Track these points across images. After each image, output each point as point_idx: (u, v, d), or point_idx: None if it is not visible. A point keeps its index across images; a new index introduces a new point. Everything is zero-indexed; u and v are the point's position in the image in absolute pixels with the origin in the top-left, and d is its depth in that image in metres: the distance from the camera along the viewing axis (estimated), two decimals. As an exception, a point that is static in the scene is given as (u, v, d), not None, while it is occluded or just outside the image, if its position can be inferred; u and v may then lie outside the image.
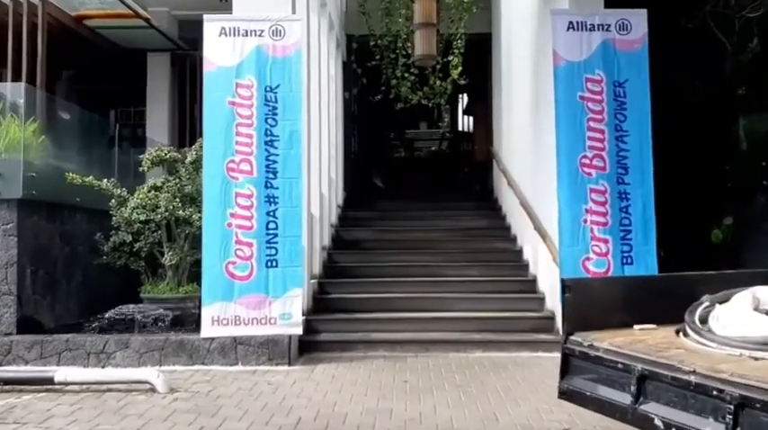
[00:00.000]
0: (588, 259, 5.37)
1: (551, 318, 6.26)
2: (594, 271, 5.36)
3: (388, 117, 11.26)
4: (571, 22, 5.53)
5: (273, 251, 5.55)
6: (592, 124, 5.46)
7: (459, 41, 9.15)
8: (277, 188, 5.58)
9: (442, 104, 9.41)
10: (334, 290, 7.14)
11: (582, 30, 5.53)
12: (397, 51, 9.28)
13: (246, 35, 5.65)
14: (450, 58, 9.21)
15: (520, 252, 7.95)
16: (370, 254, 8.06)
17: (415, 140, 14.42)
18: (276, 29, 5.66)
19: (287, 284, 5.53)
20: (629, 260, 5.41)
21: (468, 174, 12.16)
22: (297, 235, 5.61)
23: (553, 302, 6.34)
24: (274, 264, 5.54)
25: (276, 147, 5.60)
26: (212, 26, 5.67)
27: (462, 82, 9.07)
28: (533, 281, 7.12)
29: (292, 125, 5.63)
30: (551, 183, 6.20)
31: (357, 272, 7.57)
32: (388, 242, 8.43)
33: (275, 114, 5.62)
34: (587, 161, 5.43)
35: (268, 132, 5.59)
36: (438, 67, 9.33)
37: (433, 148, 14.26)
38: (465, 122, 15.48)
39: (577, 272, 5.36)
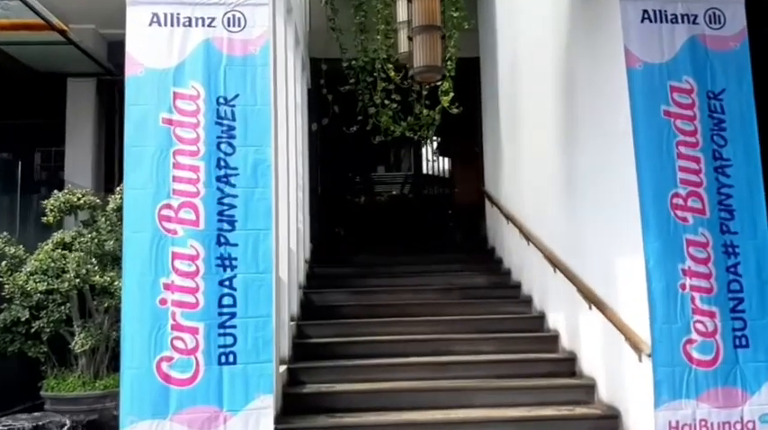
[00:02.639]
0: (690, 341, 3.73)
1: (614, 417, 4.56)
2: (699, 358, 3.73)
3: (363, 153, 9.54)
4: (646, 12, 4.01)
5: (230, 340, 3.71)
6: (683, 150, 3.90)
7: (449, 63, 7.62)
8: (235, 245, 3.78)
9: (428, 137, 7.80)
10: (308, 378, 5.29)
11: (661, 21, 4.01)
12: (375, 74, 7.67)
13: (190, 24, 3.91)
14: (440, 83, 7.67)
15: (540, 319, 6.28)
16: (349, 325, 6.25)
17: (384, 183, 12.81)
18: (233, 16, 3.94)
19: (250, 390, 3.69)
20: (744, 341, 3.80)
21: (452, 221, 10.52)
22: (265, 314, 3.79)
23: (613, 394, 4.67)
24: (231, 359, 3.70)
25: (234, 185, 3.82)
26: (138, 11, 3.91)
27: (455, 110, 7.49)
28: (571, 361, 5.44)
29: (257, 153, 3.87)
30: (606, 229, 4.61)
31: (336, 351, 5.75)
32: (370, 308, 6.63)
33: (232, 138, 3.85)
34: (680, 202, 3.84)
35: (222, 163, 3.82)
36: (424, 93, 7.78)
37: (406, 192, 12.66)
38: (431, 164, 13.98)
39: (676, 360, 3.72)
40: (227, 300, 3.74)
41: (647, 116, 3.90)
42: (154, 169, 3.79)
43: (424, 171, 13.75)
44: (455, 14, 7.55)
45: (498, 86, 8.02)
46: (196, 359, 3.67)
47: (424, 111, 7.65)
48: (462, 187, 10.31)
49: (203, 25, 3.91)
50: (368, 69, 7.68)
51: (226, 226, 3.79)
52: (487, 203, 8.58)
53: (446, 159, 12.60)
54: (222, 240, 3.77)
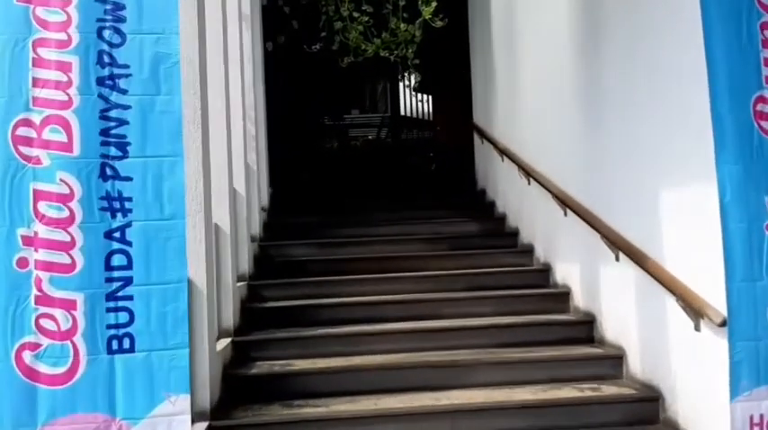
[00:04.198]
0: (779, 304, 2.66)
1: (653, 399, 3.50)
2: (790, 327, 2.67)
3: (331, 85, 8.16)
4: None
5: (124, 317, 2.56)
6: (770, 34, 2.75)
7: (430, -34, 6.32)
8: (128, 179, 2.59)
9: (408, 58, 6.53)
10: (259, 353, 4.16)
11: None
12: (342, -19, 6.33)
13: None
14: (419, -9, 6.37)
15: (545, 272, 5.19)
16: (315, 284, 5.11)
17: (357, 126, 11.53)
18: None
19: (156, 388, 2.55)
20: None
21: (436, 163, 9.33)
22: (176, 278, 2.62)
23: (652, 370, 3.60)
24: (127, 344, 2.56)
25: (125, 91, 2.60)
26: None
27: (439, 23, 6.21)
28: (588, 324, 4.37)
29: (159, 43, 2.64)
30: (646, 153, 3.50)
31: (296, 317, 4.63)
32: (341, 263, 5.50)
33: (120, 21, 2.61)
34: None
35: (105, 59, 2.60)
36: (401, 4, 6.47)
37: (383, 136, 11.40)
38: (411, 102, 12.67)
39: (761, 331, 2.65)
40: (118, 260, 2.57)
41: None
42: (4, 69, 2.55)
43: (403, 112, 12.51)
44: None
45: (490, 9, 6.74)
46: (74, 345, 2.51)
47: (402, 26, 6.35)
48: (447, 123, 9.09)
49: None
50: (333, -25, 6.33)
51: (114, 151, 2.58)
52: (477, 139, 7.39)
53: (428, 97, 11.33)
54: (108, 172, 2.57)
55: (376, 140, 11.88)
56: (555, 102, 4.98)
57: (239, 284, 4.74)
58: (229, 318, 4.25)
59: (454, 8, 7.24)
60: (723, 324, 2.76)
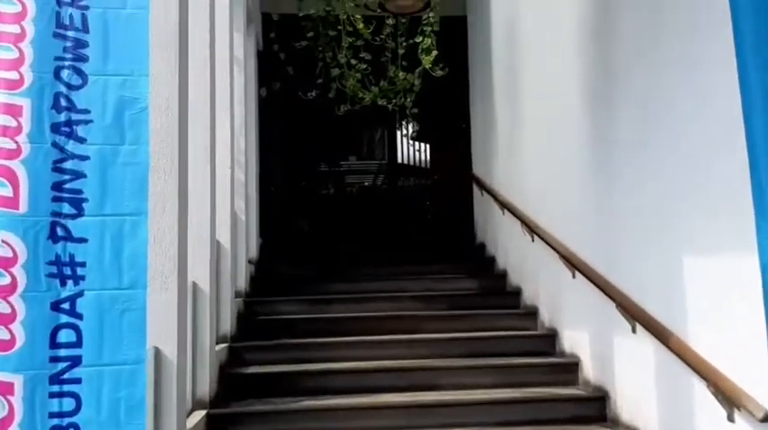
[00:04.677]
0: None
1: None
2: None
3: (327, 124, 7.82)
4: None
5: (70, 404, 2.17)
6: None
7: (430, 17, 6.12)
8: (83, 241, 2.24)
9: (407, 107, 6.26)
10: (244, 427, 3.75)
11: None
12: (340, 27, 6.12)
13: None
14: (419, 39, 6.16)
15: (551, 338, 4.82)
16: (302, 347, 4.72)
17: (354, 173, 11.24)
18: None
19: (103, 493, 2.16)
20: None
21: (432, 213, 9.00)
22: (132, 358, 2.24)
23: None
24: (69, 437, 2.16)
25: (83, 140, 2.27)
26: None
27: (439, 72, 5.99)
28: (600, 401, 3.97)
29: (126, 86, 2.32)
30: (665, 211, 3.17)
31: (281, 385, 4.23)
32: (331, 322, 5.11)
33: (81, 60, 2.30)
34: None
35: (63, 102, 2.27)
36: (401, 52, 6.25)
37: (379, 183, 11.10)
38: (408, 150, 12.44)
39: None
40: (65, 336, 2.19)
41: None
42: (-54, 111, 2.22)
43: (400, 160, 12.27)
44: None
45: (491, 48, 6.52)
46: (7, 439, 2.11)
47: (401, 74, 6.12)
48: (446, 173, 8.78)
49: None
50: (330, 21, 6.12)
51: (67, 208, 2.23)
52: (476, 191, 7.09)
53: (426, 146, 11.09)
54: (60, 232, 2.22)
55: (372, 187, 11.60)
56: (560, 154, 4.69)
57: (219, 347, 4.34)
58: (205, 387, 3.84)
59: (454, 57, 7.04)
60: (765, 419, 2.39)
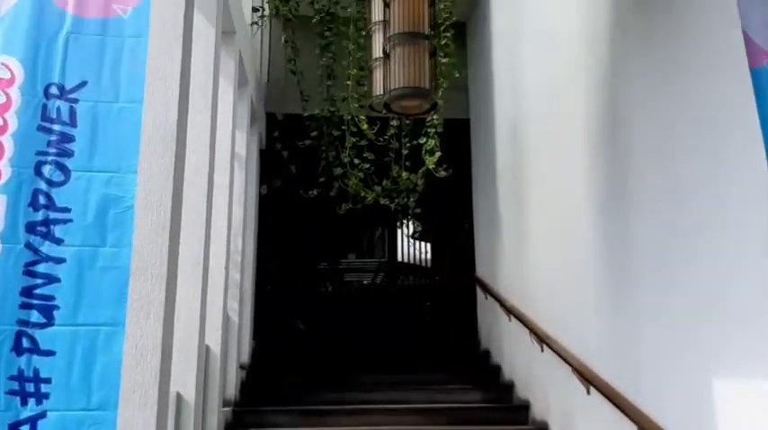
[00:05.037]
0: None
1: None
2: None
3: (327, 222, 7.66)
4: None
5: None
6: None
7: (434, 119, 6.11)
8: (50, 354, 1.99)
9: (409, 207, 6.14)
10: None
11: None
12: (344, 127, 6.09)
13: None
14: (423, 140, 6.12)
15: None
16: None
17: (353, 271, 11.01)
18: (91, -45, 2.33)
19: None
20: None
21: (433, 316, 8.69)
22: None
23: None
24: None
25: (60, 241, 2.08)
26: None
27: (443, 173, 5.90)
28: None
29: (111, 184, 2.17)
30: (691, 327, 2.93)
31: None
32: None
33: (65, 155, 2.15)
34: None
35: (41, 200, 2.10)
36: (404, 152, 6.20)
37: (378, 281, 10.84)
38: (409, 249, 12.27)
39: None
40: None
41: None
42: None
43: (400, 258, 12.08)
44: (444, 60, 6.09)
45: (495, 151, 6.48)
46: None
47: (404, 174, 6.03)
48: (447, 274, 8.57)
49: (34, -36, 2.28)
50: (334, 121, 6.10)
51: (36, 316, 2.01)
52: (480, 294, 6.84)
53: (427, 245, 10.92)
54: (25, 344, 1.98)
55: (371, 286, 11.35)
56: (571, 260, 4.48)
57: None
58: None
59: (458, 158, 7.00)
60: None
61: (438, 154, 5.93)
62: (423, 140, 6.06)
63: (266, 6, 6.35)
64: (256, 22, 6.11)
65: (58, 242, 2.05)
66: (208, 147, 3.91)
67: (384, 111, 4.61)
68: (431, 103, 3.83)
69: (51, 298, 2.00)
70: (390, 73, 3.80)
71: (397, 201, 6.05)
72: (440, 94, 6.11)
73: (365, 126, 5.93)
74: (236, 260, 5.38)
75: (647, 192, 3.44)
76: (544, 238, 5.08)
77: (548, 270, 4.97)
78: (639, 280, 3.51)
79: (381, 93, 4.35)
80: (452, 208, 7.69)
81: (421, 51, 3.77)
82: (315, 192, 6.00)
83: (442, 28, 6.09)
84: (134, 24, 2.25)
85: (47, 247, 2.03)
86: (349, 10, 6.24)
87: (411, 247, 11.52)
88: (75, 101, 2.15)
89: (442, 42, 6.00)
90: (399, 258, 12.09)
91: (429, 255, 10.60)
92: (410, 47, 3.76)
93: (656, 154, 3.35)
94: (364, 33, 5.87)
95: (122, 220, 2.12)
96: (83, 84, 2.16)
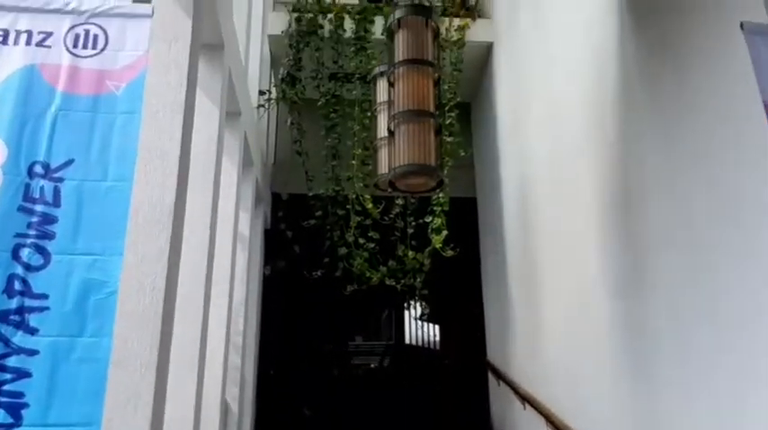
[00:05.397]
0: None
1: None
2: None
3: (333, 304, 7.42)
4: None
5: None
6: None
7: (440, 197, 6.04)
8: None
9: (416, 287, 5.94)
10: None
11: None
12: (348, 207, 6.00)
13: (5, 41, 2.23)
14: (429, 219, 6.01)
15: None
16: None
17: (360, 354, 10.69)
18: (85, 33, 2.28)
19: None
20: None
21: (442, 401, 8.32)
22: None
23: None
24: None
25: (33, 332, 1.91)
26: None
27: (450, 253, 5.75)
28: None
29: (94, 269, 2.02)
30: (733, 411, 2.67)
31: None
32: None
33: (46, 237, 2.01)
34: None
35: (16, 287, 1.94)
36: (410, 231, 6.07)
37: (386, 365, 10.50)
38: (417, 331, 11.95)
39: None
40: None
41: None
42: None
43: (408, 341, 11.76)
44: (449, 139, 6.07)
45: (504, 230, 6.34)
46: None
47: (410, 254, 5.87)
48: (457, 357, 8.27)
49: (28, 43, 2.22)
50: (339, 201, 6.02)
51: (1, 416, 1.81)
52: (492, 380, 6.54)
53: (435, 327, 10.64)
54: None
55: (379, 369, 11.00)
56: (588, 347, 4.24)
57: None
58: None
59: (465, 237, 6.85)
60: None
61: (445, 232, 5.81)
62: (429, 219, 5.96)
63: (273, 90, 6.41)
64: (263, 105, 6.14)
65: (33, 332, 1.88)
66: (208, 227, 3.79)
67: (389, 190, 4.52)
68: (436, 180, 3.72)
69: (20, 395, 1.82)
70: (395, 151, 3.71)
71: (403, 281, 5.88)
72: (445, 172, 6.10)
73: (370, 205, 5.84)
74: (237, 342, 5.17)
75: (667, 275, 3.26)
76: (559, 323, 4.85)
77: (564, 356, 4.72)
78: (660, 373, 3.27)
79: (386, 171, 4.29)
80: (460, 289, 7.50)
81: (426, 129, 3.70)
82: (319, 273, 5.84)
83: (447, 108, 6.11)
84: (126, 100, 2.17)
85: (19, 338, 1.87)
86: (354, 92, 6.29)
87: (419, 330, 11.24)
88: (61, 180, 2.04)
89: (447, 122, 6.00)
90: (407, 340, 11.79)
91: (437, 338, 10.30)
92: (415, 124, 3.69)
93: (674, 232, 3.19)
94: (369, 114, 5.89)
95: (103, 308, 1.96)
96: (69, 162, 2.05)
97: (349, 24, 6.47)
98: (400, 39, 3.91)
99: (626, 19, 3.68)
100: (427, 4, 3.95)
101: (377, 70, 4.55)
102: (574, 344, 4.52)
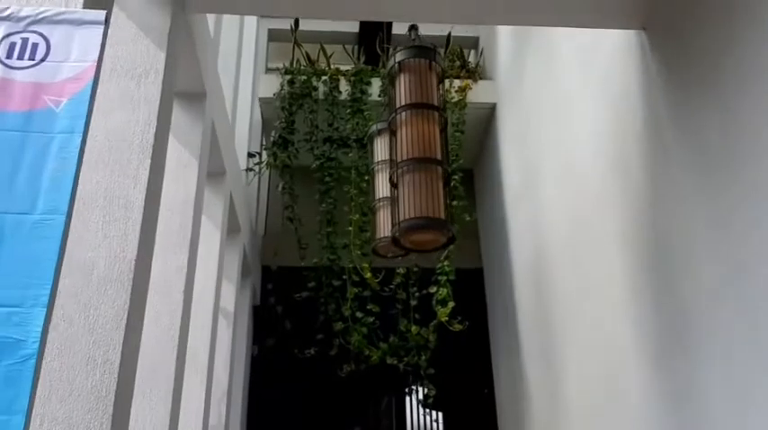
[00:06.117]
0: None
1: None
2: None
3: (328, 388, 6.67)
4: None
5: None
6: None
7: (445, 266, 5.55)
8: None
9: (421, 366, 5.34)
10: None
11: None
12: (345, 277, 5.50)
13: None
14: (434, 289, 5.50)
15: None
16: None
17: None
18: (23, 42, 1.84)
19: None
20: None
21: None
22: None
23: None
24: None
25: None
26: None
27: (458, 326, 5.21)
28: None
29: (13, 323, 1.50)
30: None
31: None
32: None
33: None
34: None
35: None
36: (413, 304, 5.54)
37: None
38: (421, 422, 11.12)
39: None
40: None
41: None
42: None
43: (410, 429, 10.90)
44: (453, 203, 5.64)
45: (515, 301, 5.80)
46: None
47: (413, 328, 5.32)
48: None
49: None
50: (335, 271, 5.52)
51: None
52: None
53: (441, 414, 9.84)
54: None
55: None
56: (621, 425, 3.65)
57: None
58: None
59: (472, 309, 6.28)
60: None
61: (451, 304, 5.29)
62: (433, 290, 5.44)
63: (264, 153, 6.04)
64: (252, 169, 5.75)
65: None
66: (182, 294, 3.28)
67: (390, 254, 4.04)
68: (447, 235, 3.25)
69: None
70: (399, 204, 3.27)
71: (406, 360, 5.29)
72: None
73: (368, 274, 5.34)
74: (218, 434, 4.53)
75: (716, 340, 2.73)
76: (583, 403, 4.25)
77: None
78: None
79: (385, 235, 3.88)
80: (468, 368, 6.86)
81: (434, 178, 3.27)
82: (312, 351, 5.25)
83: (451, 169, 5.72)
84: (67, 117, 1.72)
85: None
86: (350, 155, 5.93)
87: (424, 418, 10.44)
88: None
89: (451, 184, 5.60)
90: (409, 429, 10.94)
91: (443, 427, 9.51)
92: (421, 173, 3.27)
93: (726, 285, 2.70)
94: (367, 178, 5.50)
95: (18, 377, 1.44)
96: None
97: (344, 86, 6.19)
98: (402, 83, 3.54)
99: (650, 61, 3.32)
100: (431, 46, 3.61)
101: (374, 128, 4.20)
102: (601, 423, 3.91)
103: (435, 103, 3.45)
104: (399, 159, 3.32)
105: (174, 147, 3.45)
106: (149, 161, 2.62)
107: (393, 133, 3.52)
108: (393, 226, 3.28)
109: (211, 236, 4.17)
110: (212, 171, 4.25)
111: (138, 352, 2.52)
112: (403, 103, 3.43)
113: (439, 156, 3.32)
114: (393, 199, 3.34)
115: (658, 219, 3.23)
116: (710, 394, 2.74)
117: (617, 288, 3.67)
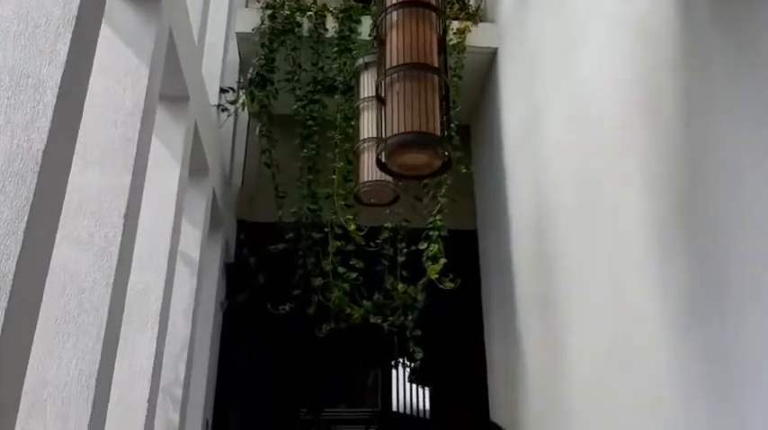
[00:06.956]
0: None
1: None
2: None
3: (306, 353, 6.10)
4: None
5: None
6: None
7: (438, 221, 5.03)
8: None
9: (407, 327, 4.82)
10: None
11: None
12: (327, 230, 4.96)
13: None
14: (424, 245, 4.97)
15: None
16: None
17: (340, 422, 9.37)
18: None
19: None
20: None
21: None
22: None
23: None
24: None
25: None
26: None
27: (449, 285, 4.69)
28: None
29: None
30: None
31: None
32: None
33: None
34: None
35: None
36: (400, 259, 5.00)
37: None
38: (407, 396, 10.69)
39: None
40: None
41: None
42: None
43: (395, 408, 10.47)
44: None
45: (512, 265, 5.29)
46: None
47: (400, 286, 4.79)
48: (453, 422, 7.01)
49: None
50: (316, 223, 4.98)
51: None
52: (500, 449, 5.35)
53: (429, 388, 9.38)
54: None
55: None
56: (636, 403, 3.14)
57: None
58: None
59: (465, 271, 5.71)
60: None
61: (443, 260, 4.76)
62: (423, 246, 4.91)
63: (241, 93, 5.47)
64: (225, 108, 5.18)
65: None
66: (121, 220, 2.72)
67: (373, 201, 3.50)
68: (443, 158, 2.70)
69: None
70: (386, 119, 2.71)
71: (391, 319, 4.77)
72: (443, 191, 5.15)
73: (353, 227, 4.80)
74: (176, 395, 3.99)
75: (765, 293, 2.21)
76: (590, 372, 3.74)
77: (599, 416, 3.59)
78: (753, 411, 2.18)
79: (371, 178, 3.37)
80: (459, 330, 6.34)
81: (428, 88, 2.71)
82: (287, 308, 4.71)
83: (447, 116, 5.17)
84: None
85: None
86: (336, 97, 5.37)
87: (411, 393, 10.01)
88: None
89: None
90: (395, 408, 10.52)
91: (429, 394, 9.05)
92: (413, 82, 2.70)
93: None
94: (353, 123, 4.95)
95: None
96: None
97: (331, 24, 5.62)
98: (392, -22, 3.00)
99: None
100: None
101: (361, 61, 3.63)
102: (613, 401, 3.40)
103: (433, 3, 2.90)
104: (388, 65, 2.77)
105: (115, 47, 2.89)
106: (70, 35, 2.07)
107: (381, 42, 2.95)
108: (378, 145, 2.74)
109: (168, 165, 3.61)
110: (171, 93, 3.70)
111: (47, 270, 1.98)
112: (393, 2, 2.89)
113: (435, 63, 2.77)
114: (379, 118, 2.79)
115: (696, 162, 2.69)
116: (753, 354, 2.22)
117: (637, 237, 3.14)
